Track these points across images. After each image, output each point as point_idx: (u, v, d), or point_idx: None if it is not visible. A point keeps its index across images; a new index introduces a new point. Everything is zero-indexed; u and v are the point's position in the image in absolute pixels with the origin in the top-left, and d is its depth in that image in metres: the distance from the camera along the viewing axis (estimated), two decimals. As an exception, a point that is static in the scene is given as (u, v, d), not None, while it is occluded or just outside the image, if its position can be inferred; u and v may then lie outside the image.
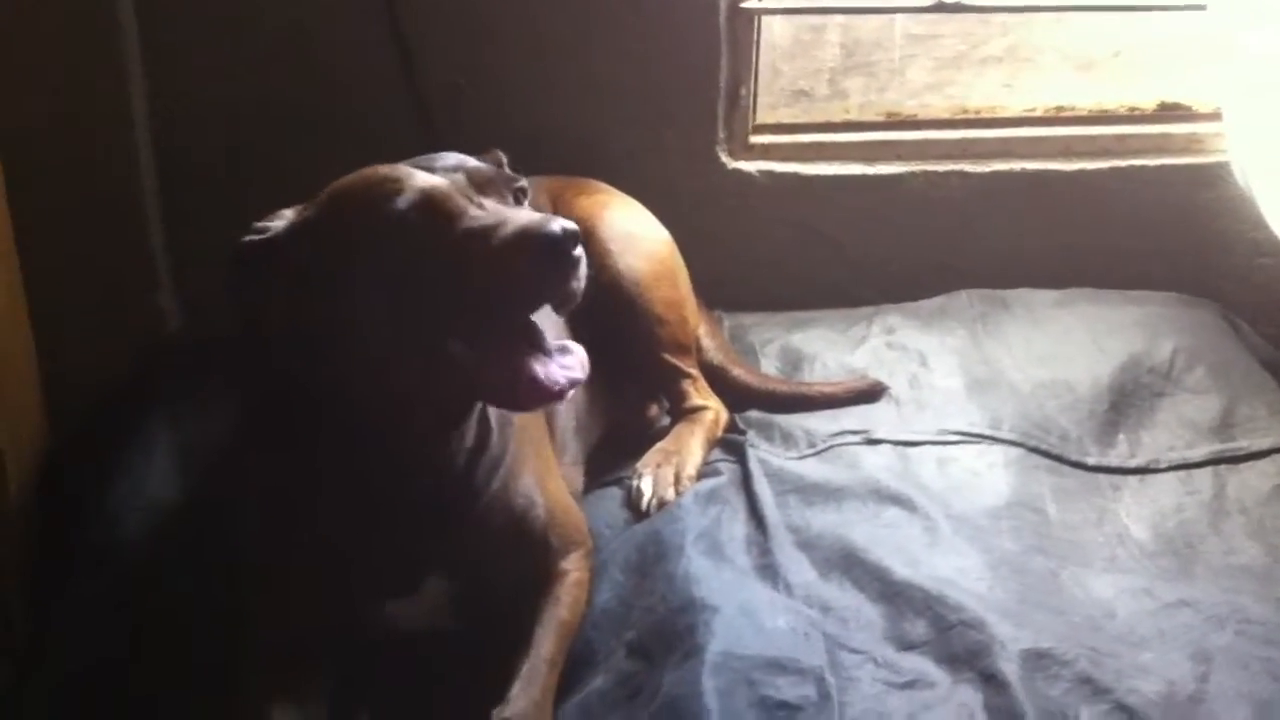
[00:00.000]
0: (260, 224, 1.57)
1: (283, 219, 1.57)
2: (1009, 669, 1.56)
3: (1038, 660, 1.59)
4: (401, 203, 1.47)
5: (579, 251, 1.47)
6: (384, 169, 1.53)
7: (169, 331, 2.34)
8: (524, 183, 1.61)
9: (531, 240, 1.44)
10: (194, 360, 2.13)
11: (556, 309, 1.52)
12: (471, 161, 1.59)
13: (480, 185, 1.54)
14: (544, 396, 1.51)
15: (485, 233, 1.46)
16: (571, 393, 1.52)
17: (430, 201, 1.48)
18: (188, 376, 2.09)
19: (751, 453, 2.06)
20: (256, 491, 1.67)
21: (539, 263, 1.44)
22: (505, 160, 1.70)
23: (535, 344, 1.52)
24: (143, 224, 2.29)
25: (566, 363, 1.52)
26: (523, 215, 1.48)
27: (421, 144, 1.77)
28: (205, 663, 1.60)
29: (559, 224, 1.44)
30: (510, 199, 1.57)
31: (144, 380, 2.11)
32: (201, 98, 2.33)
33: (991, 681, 1.56)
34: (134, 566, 1.74)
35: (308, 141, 2.31)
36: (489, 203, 1.52)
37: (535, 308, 1.50)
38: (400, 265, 1.47)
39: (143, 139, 2.28)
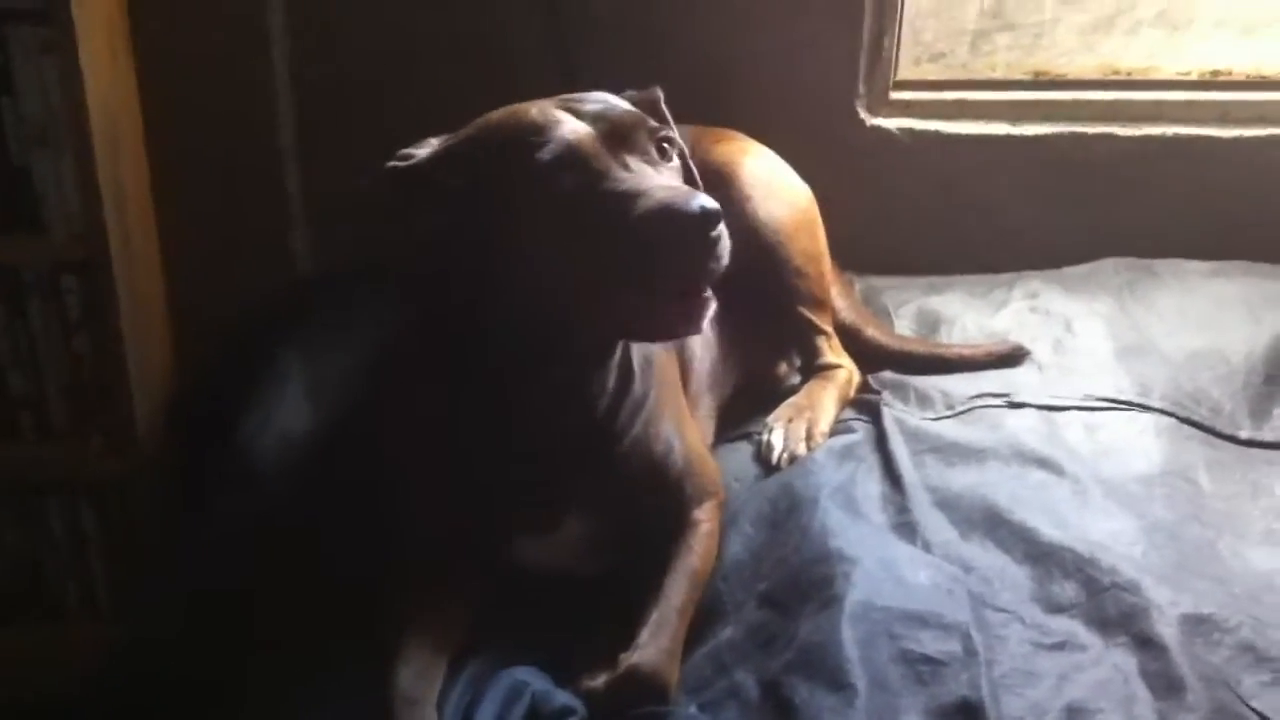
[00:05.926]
0: (406, 150, 1.56)
1: (428, 147, 1.56)
2: (1167, 633, 1.48)
3: (1198, 626, 1.51)
4: (545, 154, 1.43)
5: (719, 231, 1.41)
6: (534, 111, 1.50)
7: (301, 270, 2.35)
8: (669, 132, 1.56)
9: (670, 218, 1.37)
10: (326, 296, 2.13)
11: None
12: (618, 106, 1.54)
13: (623, 135, 1.49)
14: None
15: (625, 200, 1.41)
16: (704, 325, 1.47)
17: (573, 157, 1.44)
18: (320, 312, 2.09)
19: (887, 412, 2.00)
20: (395, 422, 1.66)
21: (677, 242, 1.38)
22: (662, 97, 1.66)
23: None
24: (279, 164, 2.30)
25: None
26: (663, 187, 1.42)
27: (559, 81, 1.74)
28: (334, 588, 1.59)
29: (698, 202, 1.37)
30: (653, 150, 1.52)
31: (277, 315, 2.11)
32: (341, 34, 2.33)
33: (1148, 646, 1.48)
34: (265, 493, 1.74)
35: (446, 81, 2.30)
36: (633, 160, 1.47)
37: (672, 284, 1.45)
38: (538, 215, 1.44)
39: (281, 77, 2.29)
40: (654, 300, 1.43)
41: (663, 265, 1.40)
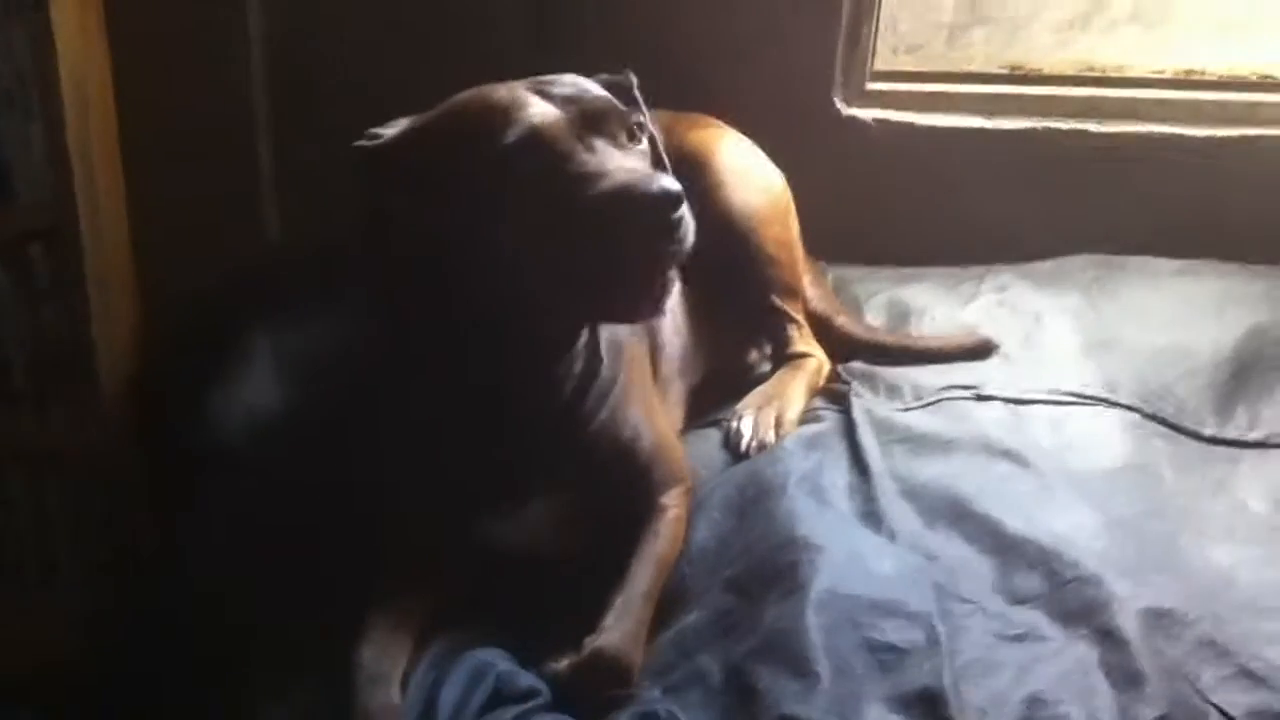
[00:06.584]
0: (374, 130, 1.55)
1: (397, 126, 1.55)
2: (1128, 626, 1.49)
3: (1158, 619, 1.52)
4: (509, 137, 1.43)
5: (680, 213, 1.40)
6: (502, 93, 1.50)
7: (270, 243, 2.34)
8: (640, 117, 1.56)
9: (631, 200, 1.37)
10: (294, 272, 2.12)
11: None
12: (590, 90, 1.53)
13: (592, 120, 1.49)
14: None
15: (587, 182, 1.41)
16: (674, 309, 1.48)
17: (539, 140, 1.44)
18: (289, 289, 2.07)
19: (856, 402, 2.01)
20: (363, 402, 1.66)
21: (636, 224, 1.38)
22: (635, 82, 1.66)
23: None
24: (251, 135, 2.28)
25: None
26: (624, 169, 1.42)
27: (539, 64, 1.74)
28: (311, 570, 1.59)
29: (659, 183, 1.37)
30: (623, 135, 1.52)
31: (244, 289, 2.10)
32: (317, 3, 2.32)
33: (1108, 638, 1.49)
34: (232, 470, 1.73)
35: (420, 57, 2.29)
36: (599, 143, 1.47)
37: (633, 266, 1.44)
38: (503, 197, 1.44)
39: (256, 47, 2.27)
40: (616, 282, 1.43)
41: (624, 247, 1.40)
